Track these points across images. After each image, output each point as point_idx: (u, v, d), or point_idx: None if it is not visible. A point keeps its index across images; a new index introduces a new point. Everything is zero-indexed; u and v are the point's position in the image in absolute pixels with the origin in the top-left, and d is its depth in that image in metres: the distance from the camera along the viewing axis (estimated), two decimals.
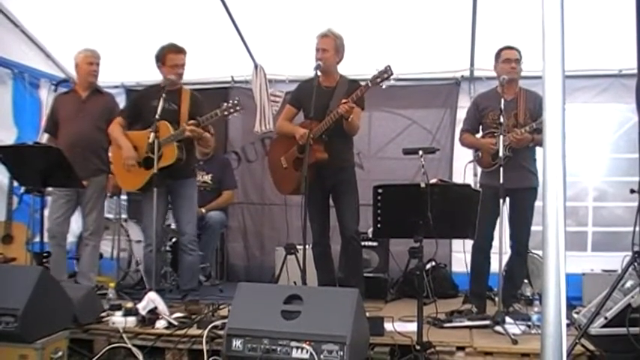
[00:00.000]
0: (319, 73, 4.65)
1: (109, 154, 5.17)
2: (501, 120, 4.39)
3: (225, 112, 4.54)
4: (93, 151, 5.02)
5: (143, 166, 4.65)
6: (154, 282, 4.59)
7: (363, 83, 4.59)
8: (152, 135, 4.44)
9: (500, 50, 4.82)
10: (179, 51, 4.73)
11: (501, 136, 4.34)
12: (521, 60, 4.73)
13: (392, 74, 4.35)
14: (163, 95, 4.53)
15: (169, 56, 4.71)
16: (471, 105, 5.19)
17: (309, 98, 4.52)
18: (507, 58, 4.75)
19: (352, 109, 4.47)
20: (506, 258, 4.61)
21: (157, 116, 4.46)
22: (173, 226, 5.57)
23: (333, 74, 4.82)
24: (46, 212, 4.76)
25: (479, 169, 5.17)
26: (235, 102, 4.54)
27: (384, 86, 4.41)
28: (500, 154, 4.31)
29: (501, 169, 4.28)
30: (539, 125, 4.46)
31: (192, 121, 4.52)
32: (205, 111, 4.65)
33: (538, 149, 4.73)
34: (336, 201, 4.83)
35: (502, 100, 4.42)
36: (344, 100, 4.47)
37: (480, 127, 4.95)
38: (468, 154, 5.41)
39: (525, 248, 4.87)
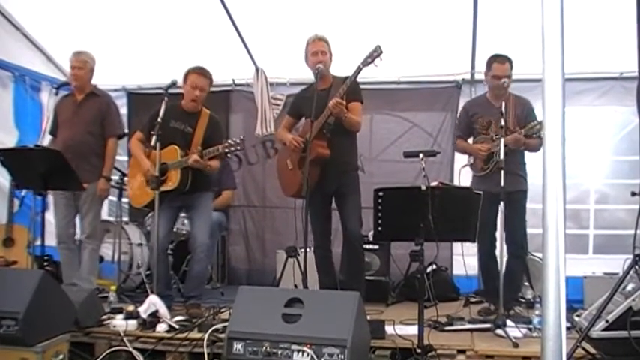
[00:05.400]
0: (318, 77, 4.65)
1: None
2: (502, 123, 4.39)
3: (227, 150, 4.57)
4: (84, 157, 4.98)
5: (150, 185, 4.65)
6: (155, 285, 4.59)
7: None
8: (154, 138, 4.46)
9: (491, 62, 4.83)
10: (200, 73, 4.76)
11: (502, 139, 4.34)
12: (511, 69, 4.73)
13: (382, 52, 4.30)
14: (165, 99, 4.56)
15: (191, 76, 4.76)
16: (461, 111, 5.22)
17: (308, 104, 4.52)
18: (497, 75, 4.76)
19: (340, 104, 4.40)
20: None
21: (159, 119, 4.48)
22: (174, 230, 5.55)
23: (329, 76, 4.82)
24: (47, 215, 4.76)
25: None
26: (240, 140, 4.56)
27: (376, 65, 4.35)
28: (502, 156, 4.31)
29: (502, 172, 4.28)
30: (528, 132, 4.52)
31: (195, 155, 4.55)
32: (221, 136, 4.77)
33: (530, 154, 4.79)
34: (340, 203, 4.81)
35: (503, 104, 4.44)
36: (334, 100, 4.42)
37: (472, 132, 5.02)
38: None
39: (522, 249, 4.90)
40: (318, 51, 4.69)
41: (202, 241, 4.81)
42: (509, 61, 4.74)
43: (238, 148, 4.57)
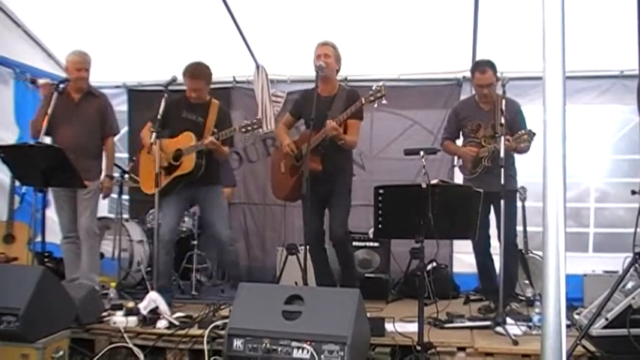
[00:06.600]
0: (319, 81, 4.65)
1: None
2: (502, 121, 4.38)
3: (244, 130, 4.74)
4: (86, 156, 4.99)
5: (163, 172, 4.78)
6: (155, 281, 4.63)
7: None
8: (153, 135, 4.53)
9: (473, 71, 4.86)
10: (193, 77, 4.85)
11: (502, 138, 4.34)
12: (495, 74, 4.73)
13: (385, 94, 4.39)
14: (165, 95, 4.63)
15: (186, 78, 4.87)
16: (451, 113, 5.24)
17: (310, 107, 4.56)
18: (479, 85, 4.80)
19: (336, 130, 4.51)
20: (497, 258, 4.62)
21: (158, 116, 4.54)
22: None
23: (333, 82, 4.87)
24: (48, 212, 4.75)
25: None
26: (255, 120, 4.76)
27: (375, 105, 4.50)
28: (502, 154, 4.30)
29: (502, 170, 4.27)
30: (516, 140, 4.52)
31: (211, 137, 4.71)
32: (230, 126, 4.88)
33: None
34: (329, 207, 4.89)
35: (503, 102, 4.42)
36: (331, 125, 4.50)
37: (461, 133, 5.08)
38: None
39: (515, 246, 4.91)
40: (321, 54, 4.74)
41: (226, 235, 5.04)
42: (492, 67, 4.74)
43: (255, 127, 4.73)
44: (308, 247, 4.77)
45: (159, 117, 4.54)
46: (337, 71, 4.88)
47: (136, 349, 3.91)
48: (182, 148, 4.81)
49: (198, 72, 4.86)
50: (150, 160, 4.88)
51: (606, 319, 3.55)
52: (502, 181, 4.27)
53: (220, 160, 5.07)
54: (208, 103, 5.00)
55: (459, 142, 5.13)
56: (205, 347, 3.73)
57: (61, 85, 4.87)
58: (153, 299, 4.23)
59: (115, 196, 5.80)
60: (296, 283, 4.84)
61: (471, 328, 4.20)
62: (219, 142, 4.74)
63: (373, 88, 4.45)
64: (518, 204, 5.23)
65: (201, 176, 4.83)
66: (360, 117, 4.78)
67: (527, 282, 5.39)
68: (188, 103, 4.94)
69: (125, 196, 6.39)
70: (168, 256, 4.94)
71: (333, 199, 4.81)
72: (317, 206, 4.82)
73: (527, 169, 5.11)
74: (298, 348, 3.10)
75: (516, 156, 4.84)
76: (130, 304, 4.28)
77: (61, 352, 3.58)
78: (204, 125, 4.89)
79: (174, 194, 4.87)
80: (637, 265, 3.63)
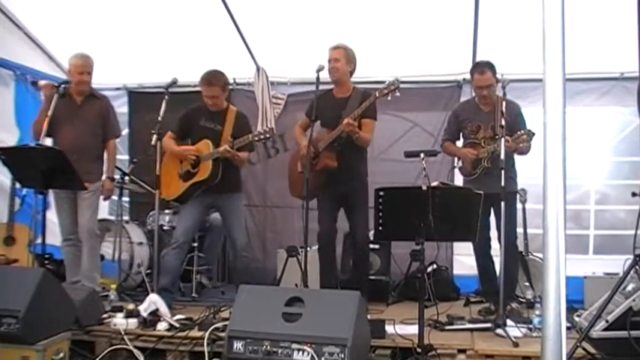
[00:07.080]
0: (331, 84, 4.76)
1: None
2: (502, 123, 4.37)
3: (256, 138, 4.79)
4: (88, 158, 5.00)
5: (182, 179, 4.93)
6: (155, 282, 4.64)
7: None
8: (154, 137, 4.60)
9: (472, 72, 4.86)
10: (209, 84, 4.88)
11: (502, 139, 4.33)
12: (495, 75, 4.73)
13: (398, 87, 4.48)
14: (166, 97, 4.73)
15: (201, 88, 4.93)
16: (451, 114, 5.24)
17: (323, 110, 4.63)
18: (479, 86, 4.80)
19: (351, 126, 4.57)
20: (497, 260, 4.62)
21: (159, 118, 4.60)
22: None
23: (347, 84, 4.92)
24: (49, 214, 4.75)
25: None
26: (268, 128, 4.86)
27: (389, 98, 4.55)
28: (502, 156, 4.30)
29: (502, 172, 4.26)
30: (515, 140, 4.49)
31: (226, 145, 4.75)
32: (249, 131, 4.94)
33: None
34: (350, 212, 4.95)
35: (503, 104, 4.42)
36: (346, 121, 4.56)
37: (461, 135, 5.08)
38: None
39: (515, 248, 4.91)
40: (331, 59, 4.82)
41: (242, 242, 5.09)
42: (491, 68, 4.74)
43: (267, 136, 4.79)
44: (319, 245, 4.93)
45: (159, 119, 4.60)
46: (351, 73, 4.92)
47: (136, 351, 3.91)
48: (200, 156, 4.86)
49: (213, 79, 4.88)
50: (171, 167, 4.98)
51: (606, 322, 3.55)
52: (502, 183, 4.26)
53: (239, 166, 5.11)
54: (226, 110, 5.03)
55: (459, 143, 5.13)
56: (205, 349, 3.72)
57: (62, 87, 4.88)
58: (153, 301, 4.23)
59: (115, 197, 5.80)
60: (296, 285, 4.84)
61: (472, 330, 4.20)
62: (235, 149, 4.77)
63: (386, 82, 4.51)
64: (519, 206, 5.24)
65: (221, 184, 4.86)
66: (374, 116, 4.84)
67: (527, 284, 5.39)
68: (207, 112, 4.98)
69: (125, 198, 6.38)
70: (178, 259, 4.95)
71: (356, 208, 4.88)
72: (331, 206, 4.91)
73: (527, 170, 5.11)
74: (299, 350, 3.10)
75: (516, 158, 4.84)
76: (131, 306, 4.29)
77: (61, 354, 3.57)
78: (221, 133, 4.92)
79: (195, 197, 4.93)
80: (637, 267, 3.63)
